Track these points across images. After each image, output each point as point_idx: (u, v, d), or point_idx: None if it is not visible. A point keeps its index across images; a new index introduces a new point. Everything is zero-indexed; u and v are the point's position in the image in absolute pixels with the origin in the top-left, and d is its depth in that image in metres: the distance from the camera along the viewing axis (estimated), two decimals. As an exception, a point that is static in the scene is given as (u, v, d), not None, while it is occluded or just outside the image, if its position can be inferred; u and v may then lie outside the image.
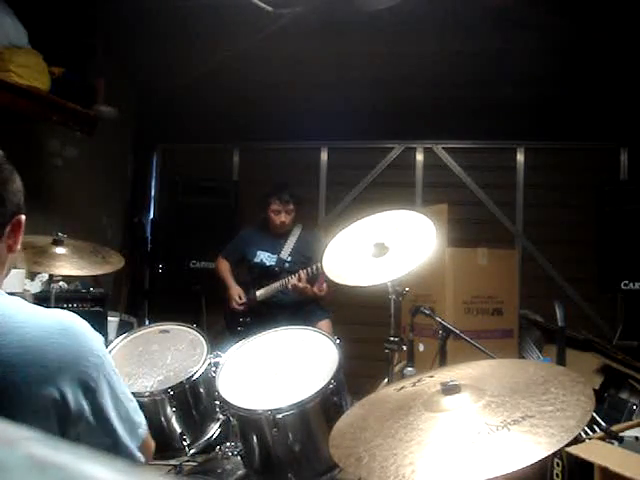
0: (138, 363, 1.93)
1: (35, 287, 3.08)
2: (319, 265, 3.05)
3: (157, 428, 1.83)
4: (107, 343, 2.08)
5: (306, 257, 3.30)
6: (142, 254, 4.59)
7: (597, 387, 3.09)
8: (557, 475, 1.78)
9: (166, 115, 4.49)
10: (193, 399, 1.85)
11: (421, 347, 3.08)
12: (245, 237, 3.55)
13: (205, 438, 1.87)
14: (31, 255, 2.00)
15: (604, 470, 1.55)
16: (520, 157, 4.38)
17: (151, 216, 4.81)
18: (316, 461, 1.68)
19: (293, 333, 2.00)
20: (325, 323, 3.24)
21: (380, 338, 2.08)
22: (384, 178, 4.52)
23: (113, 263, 2.16)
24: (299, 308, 3.27)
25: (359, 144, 4.57)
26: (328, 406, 1.69)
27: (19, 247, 1.02)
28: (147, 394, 1.79)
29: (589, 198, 3.86)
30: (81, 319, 1.00)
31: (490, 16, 3.42)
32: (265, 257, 3.40)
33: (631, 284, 3.55)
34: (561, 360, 2.54)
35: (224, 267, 3.51)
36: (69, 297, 2.96)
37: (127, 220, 4.54)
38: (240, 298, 3.37)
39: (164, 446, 1.85)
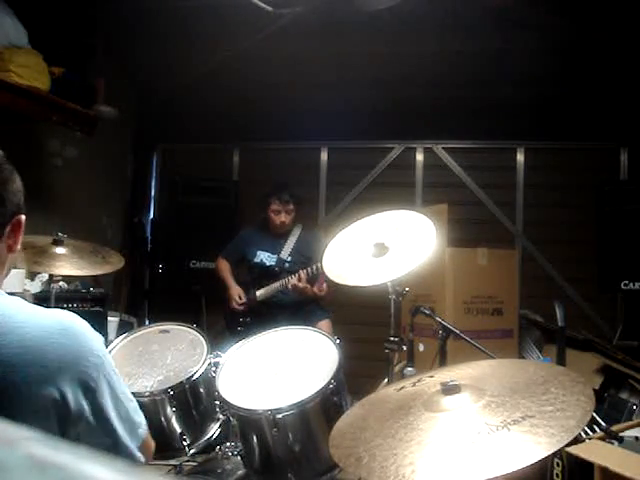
0: (138, 363, 1.93)
1: (35, 287, 3.08)
2: (319, 265, 3.06)
3: (157, 428, 1.83)
4: (107, 343, 2.08)
5: (306, 257, 3.30)
6: (142, 254, 4.59)
7: (597, 387, 3.09)
8: (557, 475, 1.78)
9: (166, 115, 4.49)
10: (193, 399, 1.85)
11: (421, 347, 3.08)
12: (245, 237, 3.55)
13: (205, 438, 1.87)
14: (31, 255, 2.00)
15: (604, 470, 1.55)
16: (520, 157, 4.38)
17: (151, 216, 4.81)
18: (316, 461, 1.68)
19: (293, 333, 2.00)
20: (325, 323, 3.24)
21: (380, 338, 2.08)
22: (384, 178, 4.52)
23: (113, 263, 2.16)
24: (299, 308, 3.27)
25: (359, 144, 4.57)
26: (328, 406, 1.69)
27: (19, 247, 1.02)
28: (147, 394, 1.79)
29: (589, 198, 3.86)
30: (81, 319, 1.00)
31: (490, 16, 3.42)
32: (265, 257, 3.40)
33: (631, 284, 3.55)
34: (561, 360, 2.54)
35: (224, 267, 3.51)
36: (69, 297, 2.96)
37: (127, 220, 4.54)
38: (240, 298, 3.37)
39: (164, 446, 1.85)
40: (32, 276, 3.07)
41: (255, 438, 1.69)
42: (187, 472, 1.90)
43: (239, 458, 1.76)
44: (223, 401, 1.70)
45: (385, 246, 1.91)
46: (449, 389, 1.12)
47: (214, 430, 1.88)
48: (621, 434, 1.79)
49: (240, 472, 1.78)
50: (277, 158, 4.58)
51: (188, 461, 1.99)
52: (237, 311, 3.37)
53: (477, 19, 3.45)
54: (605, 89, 3.88)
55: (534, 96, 3.97)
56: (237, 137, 4.67)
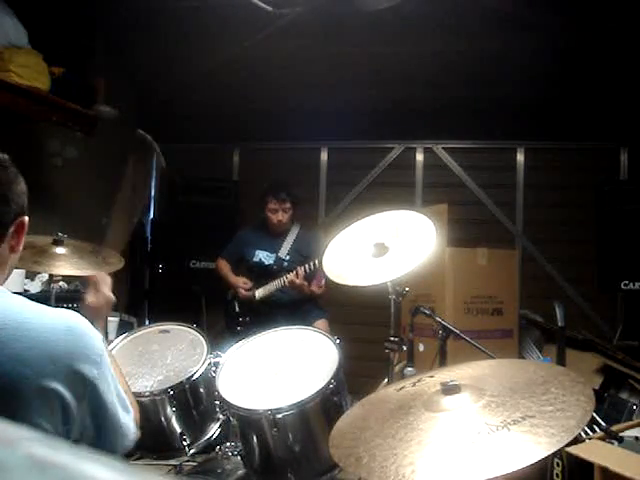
0: (138, 363, 1.93)
1: (35, 287, 3.09)
2: (316, 262, 3.07)
3: (157, 428, 1.83)
4: (107, 343, 2.08)
5: (304, 256, 3.30)
6: (142, 254, 4.59)
7: (597, 387, 3.09)
8: (557, 475, 1.78)
9: (166, 115, 4.49)
10: (193, 399, 1.85)
11: (421, 347, 3.08)
12: (244, 237, 3.56)
13: (205, 438, 1.87)
14: (31, 255, 2.00)
15: (604, 470, 1.55)
16: (520, 157, 4.38)
17: (151, 216, 4.81)
18: (316, 461, 1.68)
19: (293, 333, 2.00)
20: (322, 322, 3.25)
21: (380, 338, 2.08)
22: (384, 178, 4.52)
23: (113, 263, 2.15)
24: (297, 307, 3.29)
25: (359, 144, 4.57)
26: (328, 406, 1.69)
27: (21, 248, 1.04)
28: (147, 394, 1.79)
29: (589, 198, 3.86)
30: (84, 319, 1.03)
31: (490, 16, 3.42)
32: (264, 256, 3.41)
33: (631, 284, 3.55)
34: (561, 360, 2.54)
35: (224, 266, 3.52)
36: (69, 297, 2.96)
37: (127, 220, 4.54)
38: (246, 283, 3.39)
39: (164, 446, 1.85)
40: (32, 276, 3.08)
41: (255, 438, 1.69)
42: (187, 472, 1.90)
43: (239, 458, 1.76)
44: (223, 401, 1.71)
45: (385, 246, 1.91)
46: (449, 389, 1.12)
47: (214, 430, 1.88)
48: (621, 434, 1.79)
49: (240, 472, 1.78)
50: (277, 158, 4.58)
51: (188, 461, 1.99)
52: (246, 298, 3.37)
53: (477, 19, 3.45)
54: (605, 89, 3.88)
55: (534, 96, 3.97)
56: (237, 137, 4.67)
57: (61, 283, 2.98)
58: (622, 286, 3.57)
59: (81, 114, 3.35)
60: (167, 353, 1.96)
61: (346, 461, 1.07)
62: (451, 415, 1.08)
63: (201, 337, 2.01)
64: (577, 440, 1.64)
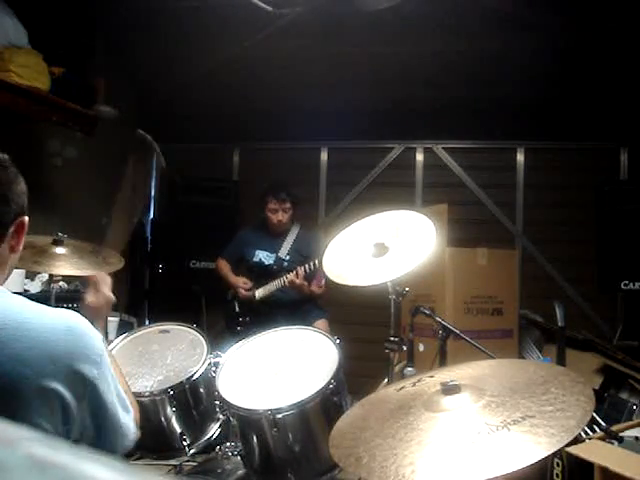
0: (138, 363, 1.93)
1: (35, 287, 3.09)
2: (316, 262, 3.08)
3: (157, 428, 1.83)
4: (107, 343, 2.08)
5: (304, 256, 3.31)
6: (142, 254, 4.59)
7: (597, 387, 3.09)
8: (557, 475, 1.78)
9: (166, 115, 4.49)
10: (193, 399, 1.85)
11: (421, 347, 3.08)
12: (244, 237, 3.56)
13: (205, 438, 1.87)
14: (31, 255, 2.00)
15: (604, 470, 1.55)
16: (520, 157, 4.38)
17: (151, 216, 4.81)
18: (316, 461, 1.68)
19: (293, 333, 2.00)
20: (322, 322, 3.26)
21: (380, 338, 2.08)
22: (384, 178, 4.52)
23: (113, 263, 2.15)
24: (297, 307, 3.29)
25: (359, 144, 4.57)
26: (328, 406, 1.69)
27: (21, 248, 1.04)
28: (147, 394, 1.79)
29: (589, 198, 3.86)
30: (84, 319, 1.03)
31: (490, 16, 3.42)
32: (264, 256, 3.41)
33: (631, 284, 3.55)
34: (561, 360, 2.54)
35: (224, 266, 3.53)
36: (69, 297, 2.96)
37: (127, 220, 4.54)
38: (246, 283, 3.39)
39: (164, 446, 1.85)
40: (32, 276, 3.08)
41: (255, 438, 1.69)
42: (187, 472, 1.90)
43: (239, 458, 1.76)
44: (223, 401, 1.71)
45: (385, 246, 1.91)
46: (449, 389, 1.12)
47: (214, 430, 1.88)
48: (621, 434, 1.79)
49: (240, 472, 1.78)
50: (277, 158, 4.58)
51: (188, 461, 1.99)
52: (246, 298, 3.37)
53: (477, 19, 3.45)
54: (605, 89, 3.88)
55: (534, 96, 3.97)
56: (237, 137, 4.67)
57: (61, 283, 2.98)
58: (622, 286, 3.57)
59: (81, 114, 3.35)
60: (167, 353, 1.96)
61: (346, 461, 1.07)
62: (451, 415, 1.08)
63: (201, 337, 2.01)
64: (577, 440, 1.64)
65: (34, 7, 3.22)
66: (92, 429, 1.00)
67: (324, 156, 4.62)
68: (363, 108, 4.18)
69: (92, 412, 0.99)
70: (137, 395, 1.79)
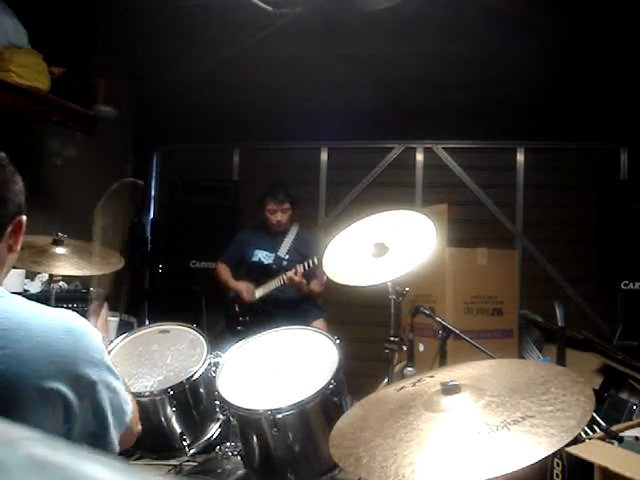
0: (138, 363, 1.93)
1: (35, 287, 3.09)
2: (315, 259, 3.09)
3: (157, 428, 1.83)
4: (107, 343, 2.08)
5: (303, 255, 3.31)
6: (142, 254, 4.59)
7: (597, 387, 3.09)
8: (557, 475, 1.78)
9: (166, 115, 4.49)
10: (193, 399, 1.85)
11: (421, 347, 3.08)
12: (243, 238, 3.56)
13: (205, 438, 1.87)
14: (31, 255, 2.00)
15: (604, 470, 1.55)
16: (520, 157, 4.38)
17: (151, 216, 4.81)
18: (316, 461, 1.68)
19: (293, 333, 2.00)
20: (320, 322, 3.26)
21: (380, 338, 2.08)
22: (384, 178, 4.52)
23: (113, 263, 2.15)
24: (296, 307, 3.30)
25: (359, 144, 4.57)
26: (328, 406, 1.69)
27: (19, 247, 1.04)
28: (147, 394, 1.79)
29: (589, 198, 3.86)
30: (83, 318, 1.03)
31: (490, 16, 3.42)
32: (263, 256, 3.42)
33: (631, 284, 3.54)
34: (561, 360, 2.54)
35: (224, 271, 3.51)
36: (69, 297, 2.96)
37: (127, 220, 4.54)
38: (249, 288, 3.37)
39: (164, 446, 1.85)
40: (32, 276, 3.08)
41: (255, 438, 1.69)
42: (187, 472, 1.90)
43: (239, 458, 1.76)
44: (223, 401, 1.71)
45: (385, 246, 1.91)
46: (449, 389, 1.12)
47: (214, 430, 1.88)
48: (621, 434, 1.79)
49: (240, 472, 1.78)
50: (277, 158, 4.58)
51: (188, 461, 1.99)
52: (248, 303, 3.37)
53: (477, 19, 3.45)
54: (605, 89, 3.88)
55: (534, 96, 3.97)
56: (237, 137, 4.67)
57: (61, 283, 2.98)
58: (622, 286, 3.56)
59: (81, 114, 3.35)
60: (167, 353, 1.96)
61: (346, 461, 1.07)
62: (451, 415, 1.08)
63: (201, 337, 2.01)
64: (577, 440, 1.64)
65: (34, 7, 3.22)
66: (93, 428, 1.00)
67: (324, 156, 4.62)
68: (363, 108, 4.18)
69: (93, 411, 0.99)
70: (137, 395, 1.79)
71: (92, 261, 2.01)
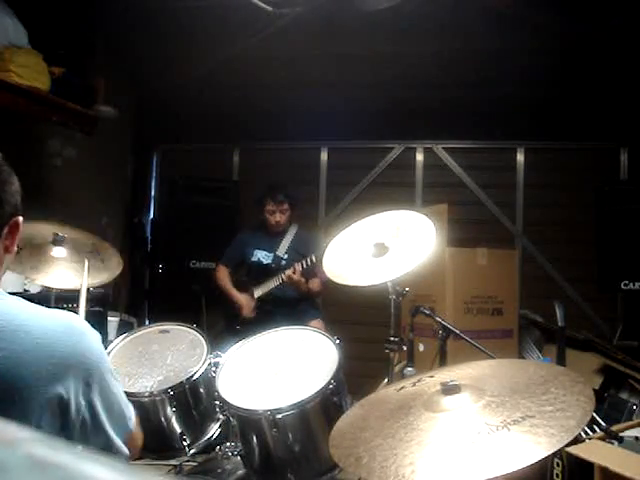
0: (138, 363, 1.93)
1: (35, 287, 3.08)
2: (313, 258, 3.09)
3: (157, 428, 1.83)
4: (107, 343, 2.08)
5: (302, 255, 3.31)
6: (142, 254, 4.59)
7: (597, 387, 3.09)
8: (557, 475, 1.78)
9: (166, 115, 4.49)
10: (193, 399, 1.85)
11: (421, 347, 3.08)
12: (243, 238, 3.57)
13: (205, 438, 1.87)
14: (30, 256, 1.99)
15: (604, 470, 1.55)
16: (520, 157, 4.38)
17: (151, 216, 4.81)
18: (316, 461, 1.68)
19: (293, 333, 2.00)
20: (317, 322, 3.26)
21: (380, 338, 2.08)
22: (384, 178, 4.52)
23: (112, 269, 2.12)
24: (294, 306, 3.30)
25: (359, 144, 4.57)
26: (328, 406, 1.69)
27: (15, 248, 1.03)
28: (147, 394, 1.79)
29: (589, 198, 3.86)
30: (82, 319, 1.03)
31: (490, 16, 3.42)
32: (262, 256, 3.42)
33: (631, 284, 3.54)
34: (561, 360, 2.54)
35: (223, 276, 3.49)
36: (69, 297, 2.95)
37: (127, 220, 4.54)
38: (250, 305, 3.36)
39: (164, 446, 1.85)
40: (32, 276, 3.07)
41: (255, 438, 1.69)
42: (187, 472, 1.90)
43: (239, 458, 1.76)
44: (223, 401, 1.70)
45: (385, 246, 1.91)
46: (449, 389, 1.12)
47: (214, 430, 1.88)
48: (621, 434, 1.79)
49: (240, 472, 1.78)
50: (277, 158, 4.58)
51: (188, 461, 1.99)
52: (248, 316, 3.36)
53: (477, 19, 3.45)
54: (605, 89, 3.88)
55: (534, 96, 3.97)
56: (237, 137, 4.67)
57: (61, 283, 2.97)
58: (622, 286, 3.56)
59: (81, 114, 3.35)
60: (167, 353, 1.96)
61: (346, 461, 1.07)
62: (451, 415, 1.08)
63: (201, 337, 2.01)
64: (577, 440, 1.64)
65: (34, 7, 3.23)
66: (92, 428, 1.00)
67: (324, 156, 4.62)
68: (363, 108, 4.18)
69: (92, 412, 0.99)
70: (137, 395, 1.79)
71: (92, 264, 2.00)
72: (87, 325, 1.02)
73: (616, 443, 1.74)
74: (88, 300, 2.85)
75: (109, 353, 1.95)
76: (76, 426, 0.96)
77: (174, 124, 4.54)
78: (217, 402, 1.74)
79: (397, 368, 2.45)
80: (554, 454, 1.71)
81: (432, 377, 1.27)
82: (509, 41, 3.65)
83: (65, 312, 1.02)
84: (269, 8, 3.28)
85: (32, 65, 3.07)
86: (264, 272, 3.38)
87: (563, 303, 2.61)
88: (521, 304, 3.52)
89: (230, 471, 1.80)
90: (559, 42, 3.61)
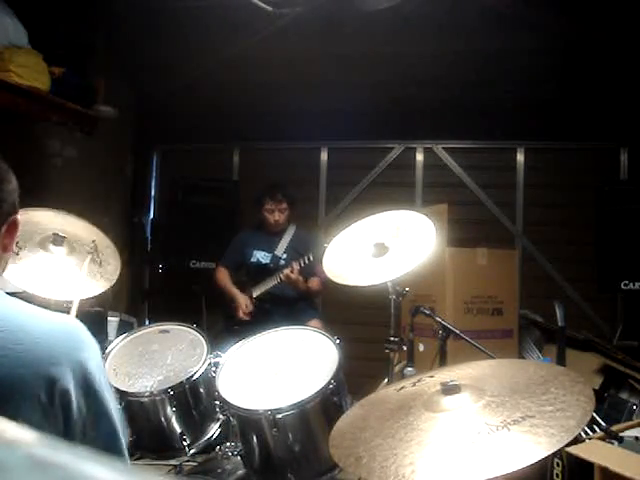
0: (138, 363, 1.93)
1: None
2: (310, 256, 3.09)
3: (157, 428, 1.83)
4: (107, 343, 2.08)
5: (301, 254, 3.31)
6: (142, 254, 4.59)
7: (597, 387, 3.09)
8: (557, 475, 1.78)
9: (166, 115, 4.49)
10: (193, 399, 1.85)
11: (421, 347, 3.08)
12: (243, 239, 3.56)
13: (205, 438, 1.87)
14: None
15: (604, 470, 1.55)
16: (520, 157, 4.38)
17: (151, 216, 4.81)
18: (316, 461, 1.68)
19: (293, 333, 2.00)
20: (315, 322, 3.26)
21: (380, 338, 2.08)
22: (384, 178, 4.52)
23: (109, 279, 2.08)
24: (292, 306, 3.30)
25: (359, 144, 4.57)
26: (328, 406, 1.69)
27: (14, 247, 1.03)
28: (147, 394, 1.79)
29: (589, 198, 3.86)
30: (81, 324, 1.02)
31: (490, 16, 3.42)
32: (261, 256, 3.43)
33: (631, 284, 3.54)
34: (561, 360, 2.54)
35: (224, 277, 3.49)
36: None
37: (127, 220, 4.54)
38: (247, 307, 3.36)
39: (164, 446, 1.85)
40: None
41: (255, 438, 1.69)
42: (187, 472, 1.90)
43: (239, 458, 1.76)
44: (223, 401, 1.71)
45: (385, 246, 1.91)
46: (449, 389, 1.12)
47: (214, 430, 1.88)
48: (621, 434, 1.79)
49: (240, 472, 1.78)
50: (277, 158, 4.58)
51: (188, 461, 1.99)
52: (243, 319, 3.36)
53: (477, 19, 3.45)
54: (605, 89, 3.88)
55: (534, 96, 3.97)
56: (237, 137, 4.67)
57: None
58: (622, 286, 3.57)
59: (81, 114, 3.35)
60: (167, 353, 1.96)
61: (346, 461, 1.07)
62: (451, 415, 1.08)
63: (201, 337, 2.01)
64: (577, 440, 1.64)
65: (34, 7, 3.23)
66: (92, 431, 0.99)
67: (324, 156, 4.62)
68: (363, 108, 4.18)
69: (91, 414, 0.98)
70: (137, 395, 1.80)
71: (90, 268, 1.99)
72: (85, 330, 1.02)
73: (616, 443, 1.74)
74: (88, 300, 2.85)
75: (109, 353, 1.95)
76: (77, 426, 0.96)
77: (174, 124, 4.54)
78: (217, 402, 1.74)
79: (397, 368, 2.45)
80: (554, 454, 1.71)
81: (432, 377, 1.27)
82: (509, 41, 3.65)
83: (64, 315, 1.02)
84: (269, 8, 3.28)
85: (32, 65, 3.07)
86: (263, 272, 3.38)
87: (563, 303, 2.61)
88: (521, 304, 3.52)
89: (230, 471, 1.81)
90: (559, 42, 3.61)
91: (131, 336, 2.07)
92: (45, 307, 1.01)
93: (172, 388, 1.80)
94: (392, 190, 4.37)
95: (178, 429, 1.83)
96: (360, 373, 2.77)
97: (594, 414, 1.44)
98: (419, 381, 1.27)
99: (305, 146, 4.61)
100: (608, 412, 2.87)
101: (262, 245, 3.45)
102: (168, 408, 1.80)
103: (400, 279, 1.86)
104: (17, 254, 1.76)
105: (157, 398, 1.80)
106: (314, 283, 3.32)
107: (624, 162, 4.25)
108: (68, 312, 1.68)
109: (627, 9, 3.25)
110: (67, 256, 1.92)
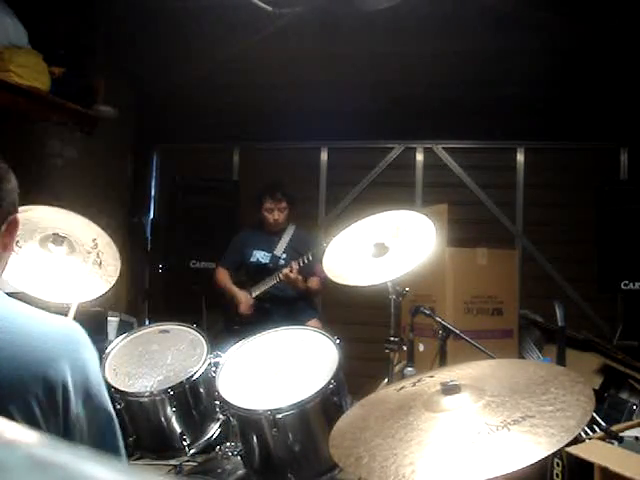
0: (138, 363, 1.93)
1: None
2: (310, 255, 3.09)
3: (157, 428, 1.83)
4: (107, 343, 2.08)
5: (300, 254, 3.31)
6: (142, 254, 4.59)
7: (597, 387, 3.09)
8: (557, 475, 1.78)
9: (166, 115, 4.49)
10: (193, 399, 1.85)
11: (421, 347, 3.08)
12: (242, 239, 3.56)
13: (205, 438, 1.87)
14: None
15: (604, 470, 1.55)
16: (520, 157, 4.38)
17: (151, 216, 4.81)
18: (316, 461, 1.68)
19: (293, 333, 2.00)
20: (314, 322, 3.26)
21: (380, 338, 2.08)
22: (384, 178, 4.52)
23: (109, 281, 2.07)
24: (291, 305, 3.30)
25: (359, 144, 4.57)
26: (328, 406, 1.69)
27: (14, 246, 1.03)
28: (147, 394, 1.79)
29: (589, 198, 3.86)
30: (79, 326, 1.02)
31: (490, 16, 3.42)
32: (261, 256, 3.42)
33: (631, 284, 3.54)
34: (561, 360, 2.54)
35: (224, 277, 3.49)
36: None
37: (127, 220, 4.54)
38: (248, 301, 3.36)
39: (164, 446, 1.85)
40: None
41: (255, 438, 1.69)
42: (187, 472, 1.90)
43: (239, 458, 1.76)
44: (223, 401, 1.70)
45: (385, 246, 1.91)
46: (449, 389, 1.12)
47: (214, 430, 1.88)
48: (621, 434, 1.79)
49: (240, 472, 1.78)
50: (277, 158, 4.58)
51: (188, 461, 1.99)
52: (244, 314, 3.36)
53: (477, 19, 3.45)
54: (605, 89, 3.88)
55: (534, 96, 3.97)
56: (237, 137, 4.67)
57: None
58: (622, 286, 3.56)
59: (81, 114, 3.35)
60: (167, 353, 1.96)
61: (346, 461, 1.07)
62: (451, 415, 1.08)
63: (201, 337, 2.01)
64: (577, 440, 1.64)
65: (34, 7, 3.23)
66: (89, 432, 0.99)
67: (324, 156, 4.62)
68: (363, 108, 4.18)
69: (89, 416, 0.98)
70: (137, 395, 1.80)
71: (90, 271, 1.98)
72: (84, 333, 1.02)
73: (616, 443, 1.74)
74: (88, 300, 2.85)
75: (109, 353, 1.95)
76: (76, 428, 0.96)
77: (174, 124, 4.54)
78: (217, 402, 1.74)
79: (397, 368, 2.45)
80: (554, 454, 1.71)
81: (432, 377, 1.27)
82: (509, 41, 3.65)
83: (64, 318, 1.02)
84: (269, 8, 3.28)
85: (32, 65, 3.07)
86: (262, 272, 3.38)
87: (563, 303, 2.61)
88: (521, 304, 3.52)
89: (230, 471, 1.81)
90: (559, 42, 3.61)
91: (131, 336, 2.07)
92: (44, 308, 1.01)
93: (172, 388, 1.80)
94: (392, 190, 4.37)
95: (178, 429, 1.83)
96: (360, 373, 2.77)
97: (594, 414, 1.44)
98: (419, 381, 1.27)
99: (305, 146, 4.61)
100: (608, 412, 2.87)
101: (262, 245, 3.45)
102: (168, 408, 1.80)
103: (400, 279, 1.86)
104: (17, 253, 1.75)
105: (157, 398, 1.80)
106: (313, 283, 3.32)
107: (624, 162, 4.25)
108: (67, 314, 1.67)
109: (627, 9, 3.25)
110: (67, 256, 1.92)
